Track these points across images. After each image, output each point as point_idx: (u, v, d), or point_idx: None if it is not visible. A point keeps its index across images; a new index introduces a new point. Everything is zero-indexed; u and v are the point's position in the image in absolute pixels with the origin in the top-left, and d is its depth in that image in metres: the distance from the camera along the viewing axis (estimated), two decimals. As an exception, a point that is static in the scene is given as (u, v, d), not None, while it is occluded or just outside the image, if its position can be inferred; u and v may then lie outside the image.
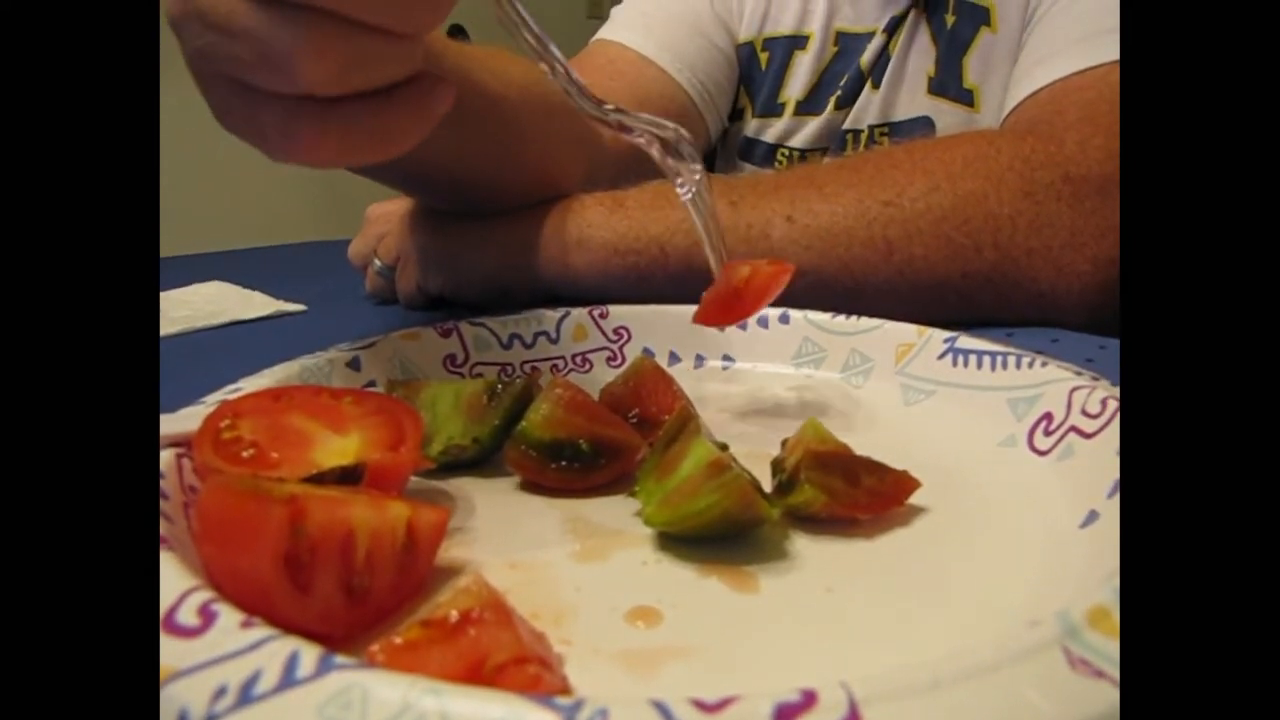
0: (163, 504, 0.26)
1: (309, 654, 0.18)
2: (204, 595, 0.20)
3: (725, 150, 0.82)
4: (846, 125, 0.73)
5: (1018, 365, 0.37)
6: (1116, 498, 0.28)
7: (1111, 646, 0.18)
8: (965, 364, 0.39)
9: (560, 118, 0.57)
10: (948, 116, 0.69)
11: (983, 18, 0.65)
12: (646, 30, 0.74)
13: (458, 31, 2.45)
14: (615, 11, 0.79)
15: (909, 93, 0.70)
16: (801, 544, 0.28)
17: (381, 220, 0.63)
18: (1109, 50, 0.54)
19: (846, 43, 0.73)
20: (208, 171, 2.05)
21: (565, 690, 0.21)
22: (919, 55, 0.69)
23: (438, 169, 0.49)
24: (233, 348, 0.53)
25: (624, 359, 0.46)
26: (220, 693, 0.17)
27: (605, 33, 0.77)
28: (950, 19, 0.67)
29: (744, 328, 0.46)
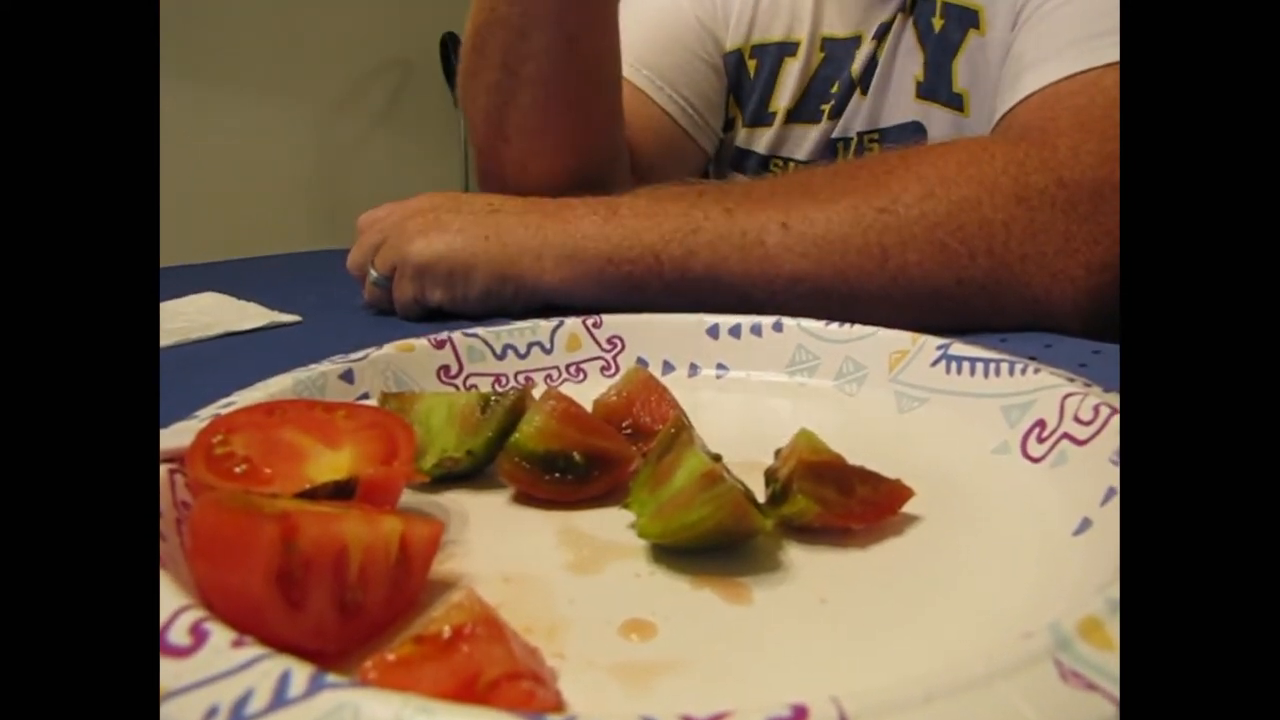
0: (155, 521, 0.26)
1: (300, 673, 0.18)
2: (196, 614, 0.20)
3: (719, 161, 0.82)
4: (836, 134, 0.73)
5: (1010, 372, 0.37)
6: (1110, 505, 0.28)
7: (1103, 659, 0.18)
8: (959, 371, 0.39)
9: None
10: (938, 121, 0.68)
11: (971, 20, 0.65)
12: (625, 52, 0.75)
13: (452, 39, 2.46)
14: None
15: (896, 98, 0.70)
16: (795, 554, 0.28)
17: (374, 230, 0.62)
18: (1100, 54, 0.53)
19: (833, 49, 0.73)
20: (203, 181, 2.05)
21: (559, 706, 0.21)
22: (906, 60, 0.69)
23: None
24: (227, 359, 0.53)
25: (618, 368, 0.46)
26: (212, 713, 0.17)
27: None
28: (938, 22, 0.67)
29: (737, 336, 0.46)
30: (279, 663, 0.18)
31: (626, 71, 0.73)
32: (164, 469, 0.28)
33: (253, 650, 0.19)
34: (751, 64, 0.76)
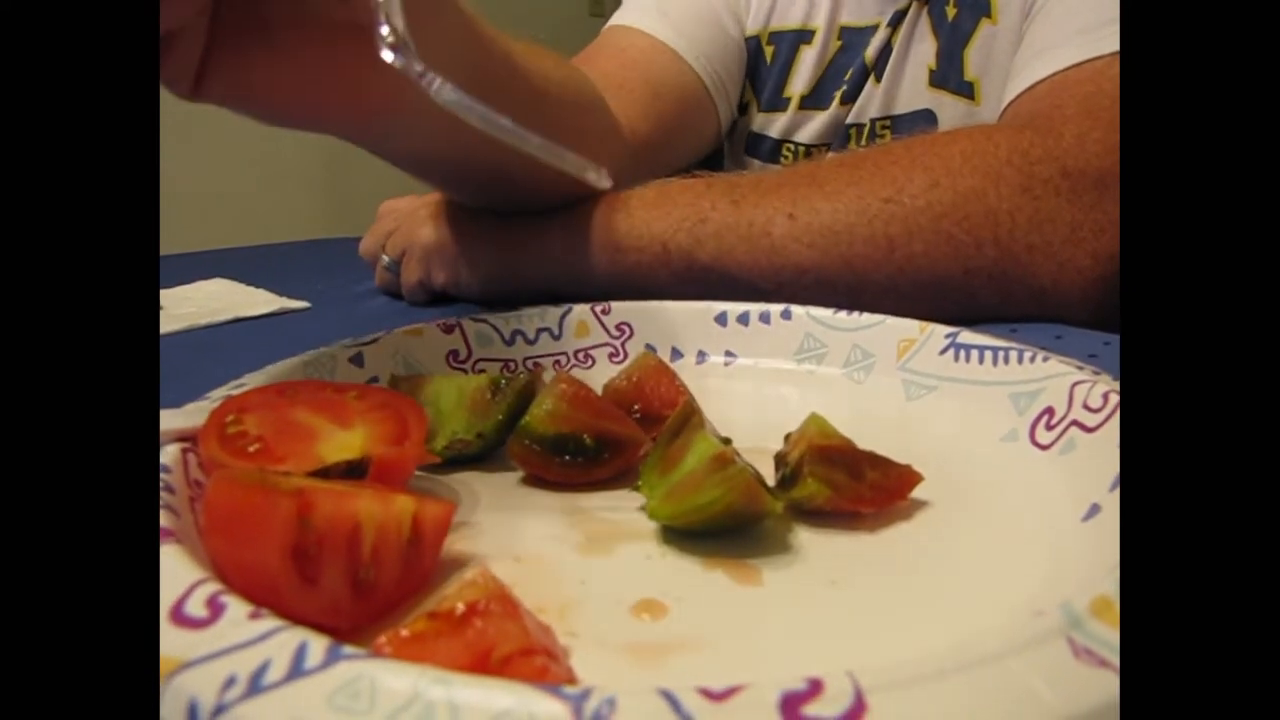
0: (169, 498, 0.26)
1: (317, 644, 0.18)
2: (212, 587, 0.20)
3: (733, 144, 0.82)
4: (849, 119, 0.73)
5: (1019, 360, 0.37)
6: (1118, 491, 0.28)
7: (1115, 636, 0.19)
8: (967, 359, 0.39)
9: (592, 113, 0.58)
10: (949, 109, 0.69)
11: (983, 9, 0.66)
12: (661, 14, 0.75)
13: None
14: None
15: (910, 85, 0.70)
16: (805, 537, 0.28)
17: (391, 216, 0.63)
18: (1108, 42, 0.53)
19: (850, 37, 0.73)
20: (211, 169, 2.05)
21: (571, 681, 0.21)
22: (920, 48, 0.69)
23: (480, 161, 0.49)
24: (236, 345, 0.53)
25: (626, 355, 0.46)
26: (230, 683, 0.17)
27: (619, 18, 0.77)
28: (951, 11, 0.67)
29: (745, 323, 0.46)
30: (296, 634, 0.18)
31: (666, 38, 0.74)
32: (177, 448, 0.29)
33: (270, 622, 0.19)
34: (769, 50, 0.77)
